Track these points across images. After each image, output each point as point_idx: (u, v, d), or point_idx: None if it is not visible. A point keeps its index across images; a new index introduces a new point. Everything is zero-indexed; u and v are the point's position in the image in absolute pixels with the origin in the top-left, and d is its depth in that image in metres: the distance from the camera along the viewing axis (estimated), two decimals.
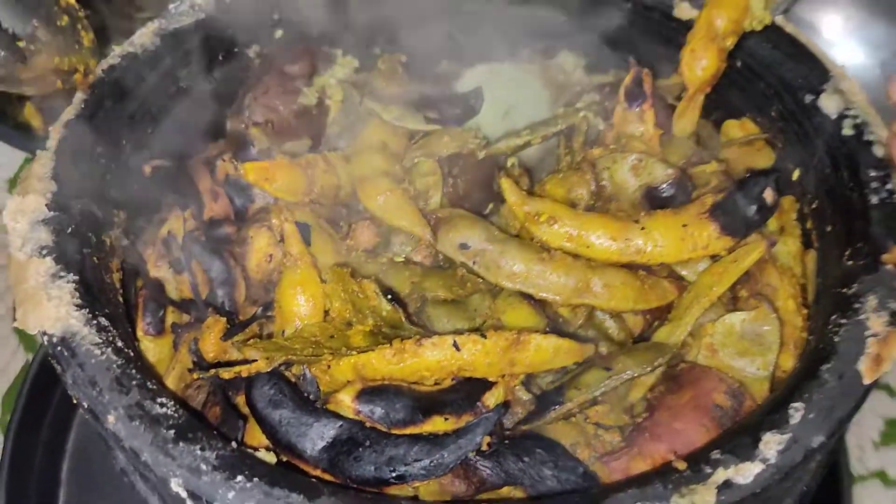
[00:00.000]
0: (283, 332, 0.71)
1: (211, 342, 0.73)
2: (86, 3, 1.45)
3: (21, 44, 0.68)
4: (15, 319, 1.13)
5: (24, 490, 0.95)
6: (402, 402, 0.65)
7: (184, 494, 0.56)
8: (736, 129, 0.86)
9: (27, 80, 0.69)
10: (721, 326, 0.71)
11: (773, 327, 0.71)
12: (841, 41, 1.28)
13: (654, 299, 0.75)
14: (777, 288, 0.75)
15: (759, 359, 0.70)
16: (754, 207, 0.74)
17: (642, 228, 0.73)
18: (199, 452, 0.57)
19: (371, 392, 0.65)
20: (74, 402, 0.62)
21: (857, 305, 0.65)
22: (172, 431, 0.58)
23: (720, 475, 0.57)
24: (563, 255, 0.74)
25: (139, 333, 0.76)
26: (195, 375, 0.70)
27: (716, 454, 0.58)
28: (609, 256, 0.73)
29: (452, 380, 0.66)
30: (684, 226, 0.73)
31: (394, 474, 0.63)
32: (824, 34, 1.27)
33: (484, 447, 0.63)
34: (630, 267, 0.75)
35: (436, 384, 0.66)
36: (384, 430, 0.64)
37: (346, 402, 0.64)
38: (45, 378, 1.01)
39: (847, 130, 0.76)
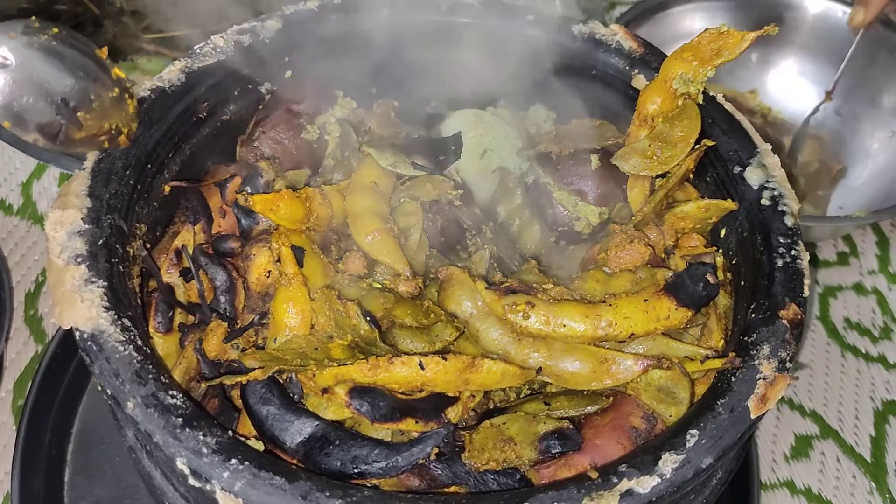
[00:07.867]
0: (276, 339, 0.81)
1: (213, 343, 0.83)
2: (96, 23, 1.54)
3: (80, 114, 0.76)
4: (25, 314, 1.25)
5: (35, 467, 1.07)
6: (386, 401, 0.75)
7: (187, 471, 0.67)
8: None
9: (80, 140, 0.78)
10: (644, 378, 0.80)
11: (684, 388, 0.79)
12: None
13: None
14: (713, 331, 0.86)
15: (673, 409, 0.79)
16: (701, 285, 0.82)
17: (610, 305, 0.80)
18: (201, 437, 0.68)
19: (362, 390, 0.75)
20: (99, 389, 0.74)
21: (753, 352, 0.76)
22: (180, 419, 0.68)
23: (624, 485, 0.67)
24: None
25: (150, 330, 0.87)
26: (204, 385, 0.80)
27: (623, 467, 0.68)
28: (584, 334, 0.79)
29: (419, 392, 0.76)
30: (645, 300, 0.81)
31: (356, 471, 0.73)
32: None
33: (433, 457, 0.74)
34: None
35: (402, 395, 0.76)
36: (368, 421, 0.73)
37: (340, 395, 0.74)
38: (54, 369, 1.14)
39: (765, 200, 0.87)
